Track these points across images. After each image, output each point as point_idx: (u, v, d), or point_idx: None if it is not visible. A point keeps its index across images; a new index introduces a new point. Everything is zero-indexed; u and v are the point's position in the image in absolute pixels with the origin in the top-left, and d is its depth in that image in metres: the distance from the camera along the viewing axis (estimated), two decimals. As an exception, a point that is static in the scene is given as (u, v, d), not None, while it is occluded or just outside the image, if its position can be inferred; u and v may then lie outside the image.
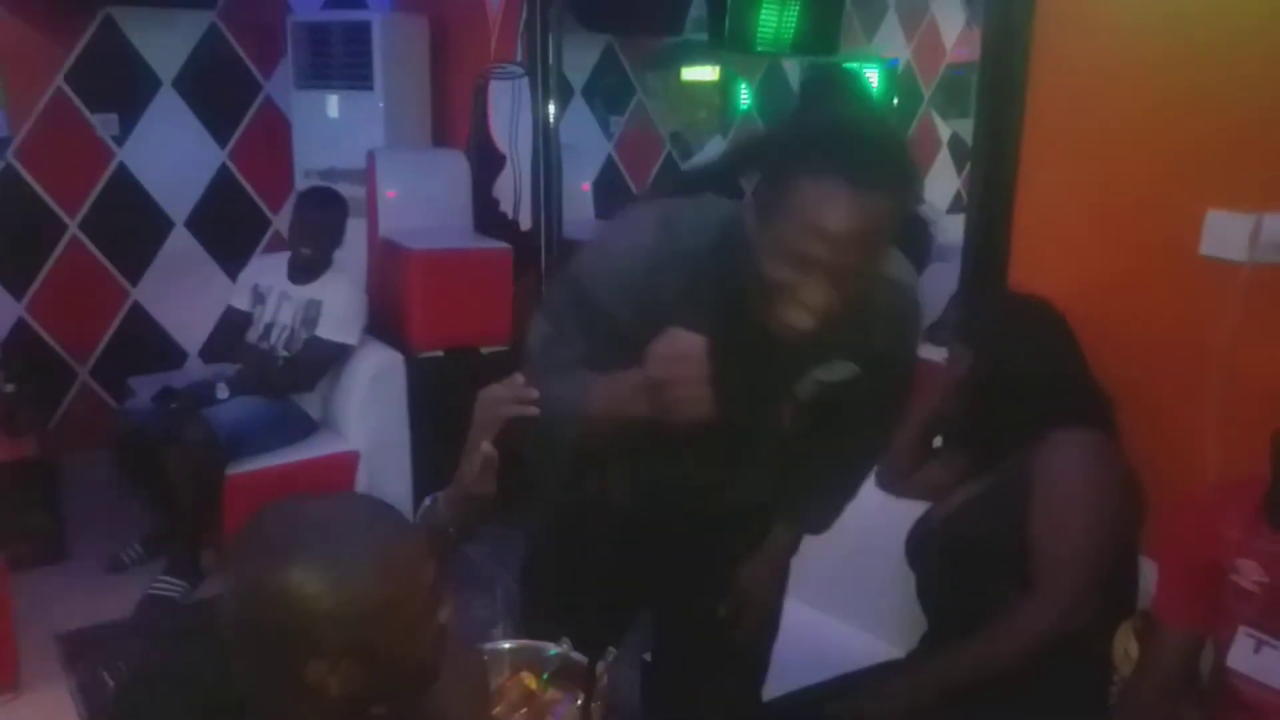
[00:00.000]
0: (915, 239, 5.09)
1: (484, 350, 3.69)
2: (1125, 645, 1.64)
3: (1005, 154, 2.14)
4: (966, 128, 5.91)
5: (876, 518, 2.06)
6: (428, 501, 1.40)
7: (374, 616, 0.98)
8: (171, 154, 4.06)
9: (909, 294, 1.54)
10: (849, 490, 1.79)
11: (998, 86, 2.15)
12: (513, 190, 3.82)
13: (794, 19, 5.06)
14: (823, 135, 1.28)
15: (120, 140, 3.98)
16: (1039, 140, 2.08)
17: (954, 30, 5.93)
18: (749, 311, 1.32)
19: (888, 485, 2.07)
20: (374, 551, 1.00)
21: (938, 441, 2.05)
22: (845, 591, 2.19)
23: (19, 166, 3.80)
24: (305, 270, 3.37)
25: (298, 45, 4.12)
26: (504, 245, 3.71)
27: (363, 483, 3.41)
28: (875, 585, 2.08)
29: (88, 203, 3.96)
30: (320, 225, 3.38)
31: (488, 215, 3.92)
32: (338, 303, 3.35)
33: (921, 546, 1.84)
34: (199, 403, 3.20)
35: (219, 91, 4.14)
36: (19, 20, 3.70)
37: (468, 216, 3.96)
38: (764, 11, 4.92)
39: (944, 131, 6.00)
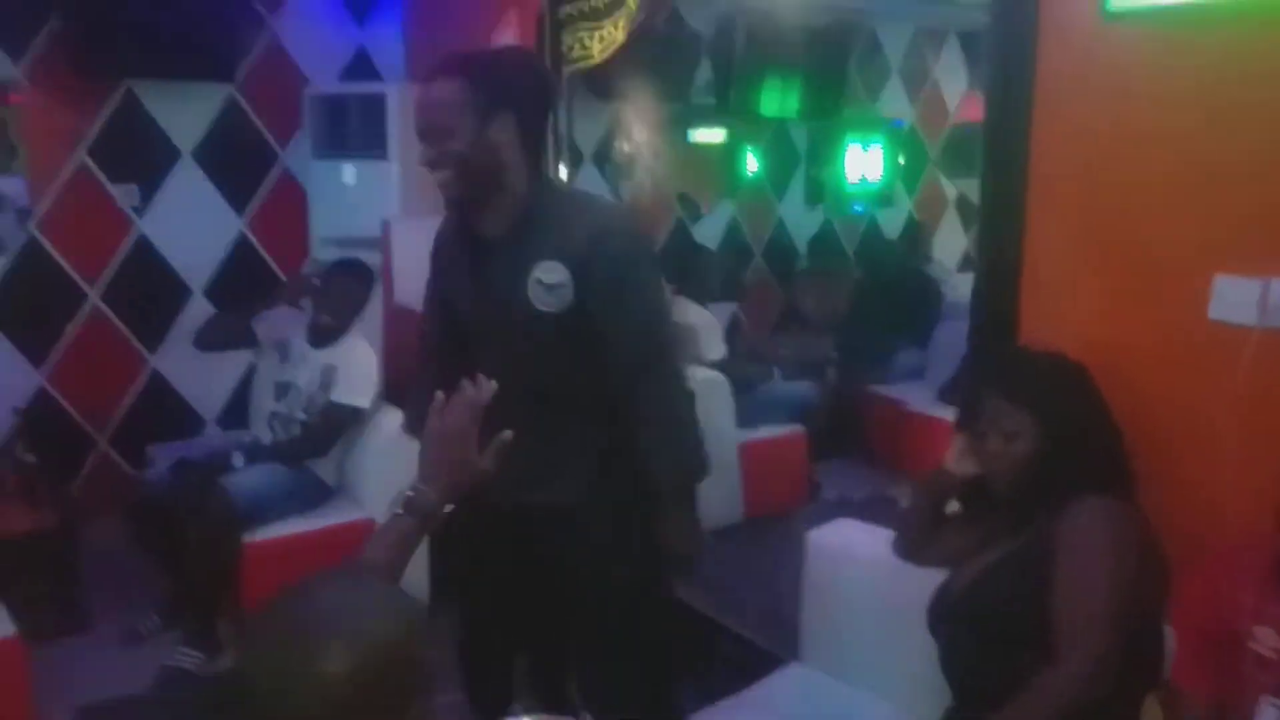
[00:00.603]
0: (924, 297, 5.14)
1: (498, 413, 3.71)
2: (1151, 717, 1.62)
3: (1011, 214, 2.16)
4: (973, 187, 5.99)
5: (895, 585, 2.07)
6: (408, 493, 1.49)
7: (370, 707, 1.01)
8: (190, 224, 4.13)
9: (612, 212, 2.04)
10: (679, 422, 2.01)
11: (1001, 147, 2.18)
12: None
13: (798, 86, 5.17)
14: None
15: (140, 211, 4.05)
16: (1045, 201, 2.11)
17: (957, 92, 6.04)
18: (461, 226, 2.02)
19: (904, 553, 2.07)
20: (380, 642, 1.03)
21: (953, 506, 2.05)
22: (866, 660, 2.18)
23: (41, 237, 3.87)
24: (325, 335, 3.42)
25: (314, 116, 4.22)
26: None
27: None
28: (897, 653, 2.07)
29: (108, 272, 4.02)
30: (346, 296, 3.46)
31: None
32: (352, 366, 3.39)
33: (943, 615, 1.83)
34: (216, 472, 3.23)
35: (237, 162, 4.22)
36: (42, 93, 3.79)
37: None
38: (768, 79, 5.02)
39: (950, 191, 6.07)
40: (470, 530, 1.99)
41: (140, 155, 4.02)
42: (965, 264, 5.78)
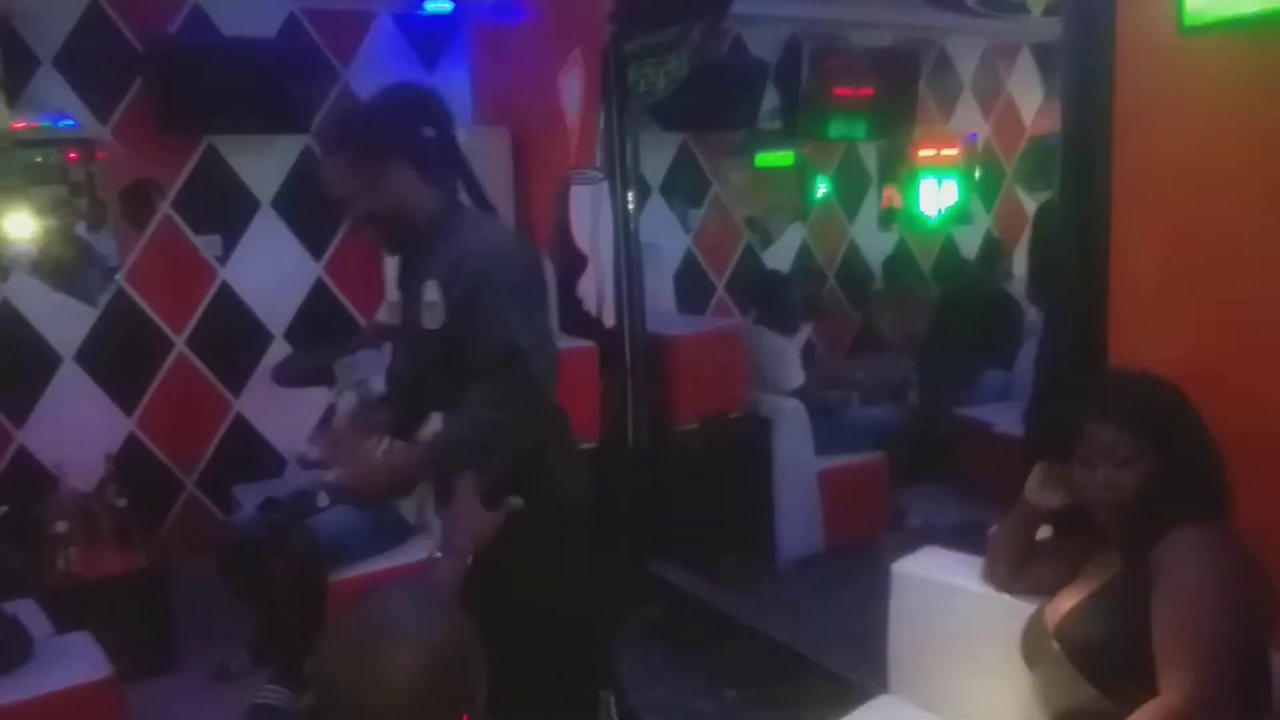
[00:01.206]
0: (1006, 316, 5.05)
1: (574, 448, 3.76)
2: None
3: (1095, 235, 2.12)
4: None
5: (986, 615, 2.04)
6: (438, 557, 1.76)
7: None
8: (270, 270, 4.28)
9: (482, 233, 2.07)
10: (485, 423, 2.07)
11: (1081, 167, 2.15)
12: (595, 289, 3.93)
13: (866, 106, 5.16)
14: None
15: (223, 260, 4.21)
16: (1131, 219, 2.06)
17: (1032, 104, 5.95)
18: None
19: (995, 581, 2.04)
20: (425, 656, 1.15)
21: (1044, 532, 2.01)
22: (958, 691, 2.13)
23: (129, 289, 4.05)
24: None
25: (387, 162, 4.33)
26: (589, 344, 3.80)
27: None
28: (990, 686, 2.03)
29: (193, 320, 4.18)
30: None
31: (572, 315, 4.02)
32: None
33: (1039, 647, 1.79)
34: (302, 512, 3.31)
35: (314, 209, 4.35)
36: (129, 151, 3.98)
37: (553, 317, 4.06)
38: (835, 101, 5.03)
39: (1029, 206, 5.98)
40: None
41: (222, 206, 4.19)
42: (1048, 280, 5.65)
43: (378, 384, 3.55)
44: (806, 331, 5.13)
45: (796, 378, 4.25)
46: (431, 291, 2.04)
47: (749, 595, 3.76)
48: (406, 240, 2.13)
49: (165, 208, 4.09)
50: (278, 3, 4.19)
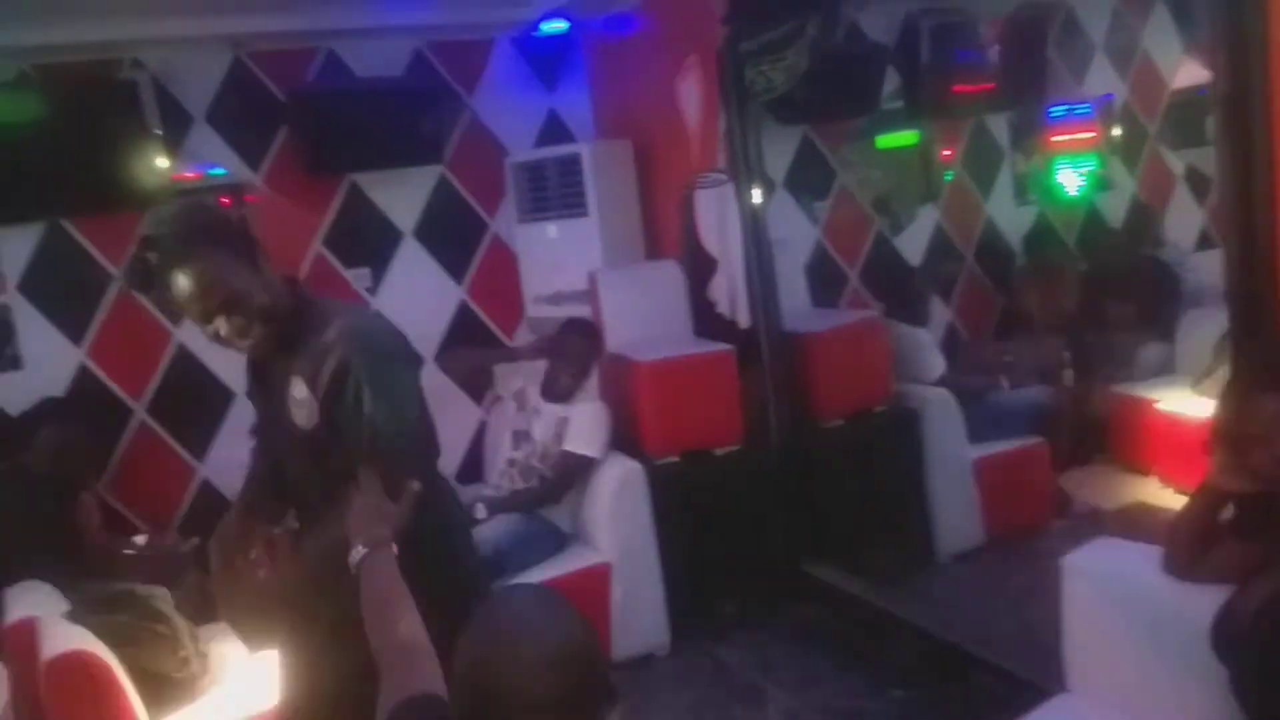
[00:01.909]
0: (1161, 285, 4.80)
1: (718, 451, 3.76)
2: None
3: (1258, 192, 1.99)
4: (1203, 157, 5.58)
5: (1170, 606, 1.95)
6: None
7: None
8: (417, 297, 4.45)
9: (342, 323, 1.96)
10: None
11: (1239, 119, 2.02)
12: (727, 291, 3.93)
13: (992, 77, 4.98)
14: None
15: (373, 291, 4.41)
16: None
17: (1171, 59, 5.62)
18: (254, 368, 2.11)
19: (1177, 570, 1.94)
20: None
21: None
22: (1144, 688, 2.05)
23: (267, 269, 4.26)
24: (561, 393, 3.63)
25: (517, 183, 4.46)
26: (726, 346, 3.80)
27: (618, 592, 3.52)
28: (1179, 681, 1.93)
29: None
30: (580, 355, 3.67)
31: (705, 318, 4.03)
32: (584, 418, 3.56)
33: (1232, 639, 1.70)
34: None
35: (452, 235, 4.53)
36: (279, 195, 4.21)
37: (687, 322, 4.09)
38: (959, 76, 4.87)
39: (1177, 165, 5.65)
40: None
41: (368, 240, 4.38)
42: (1204, 243, 5.35)
43: (534, 396, 3.66)
44: (944, 318, 4.99)
45: (936, 367, 4.15)
46: (300, 388, 1.94)
47: (909, 592, 3.69)
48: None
49: (318, 245, 4.30)
50: (404, 41, 4.36)
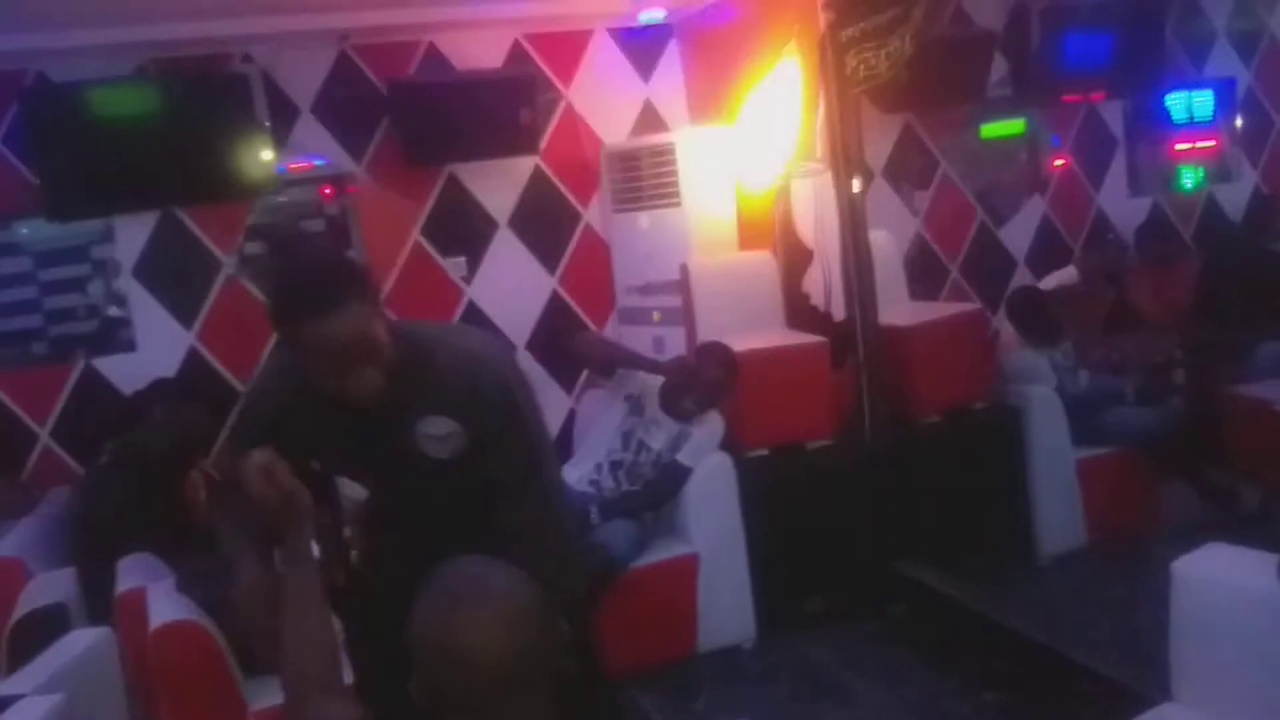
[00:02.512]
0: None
1: (809, 445, 3.72)
2: None
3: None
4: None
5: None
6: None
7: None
8: (511, 286, 4.53)
9: (491, 365, 1.91)
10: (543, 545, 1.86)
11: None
12: (822, 282, 3.87)
13: (1105, 59, 4.79)
14: (272, 298, 1.77)
15: (468, 279, 4.49)
16: None
17: (1302, 43, 5.33)
18: (345, 410, 1.81)
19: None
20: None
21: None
22: (1257, 701, 1.95)
23: (387, 311, 4.36)
24: (681, 414, 3.58)
25: (611, 172, 4.48)
26: (819, 339, 3.76)
27: (704, 583, 3.51)
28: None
29: (445, 337, 4.46)
30: (716, 385, 3.56)
31: (798, 310, 3.99)
32: (705, 437, 3.55)
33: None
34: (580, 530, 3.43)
35: (546, 225, 4.58)
36: (380, 185, 4.32)
37: (779, 314, 4.05)
38: (1070, 61, 4.70)
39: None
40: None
41: (464, 230, 4.46)
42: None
43: (652, 406, 3.63)
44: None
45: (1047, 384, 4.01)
46: (441, 426, 1.86)
47: (1005, 593, 3.59)
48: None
49: (416, 234, 4.39)
50: (502, 32, 4.43)
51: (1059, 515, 3.90)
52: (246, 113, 3.94)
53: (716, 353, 3.62)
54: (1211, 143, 5.25)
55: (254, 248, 4.18)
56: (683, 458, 3.54)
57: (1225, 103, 5.29)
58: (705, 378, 3.55)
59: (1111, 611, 3.28)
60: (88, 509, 3.34)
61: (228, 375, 4.16)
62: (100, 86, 3.77)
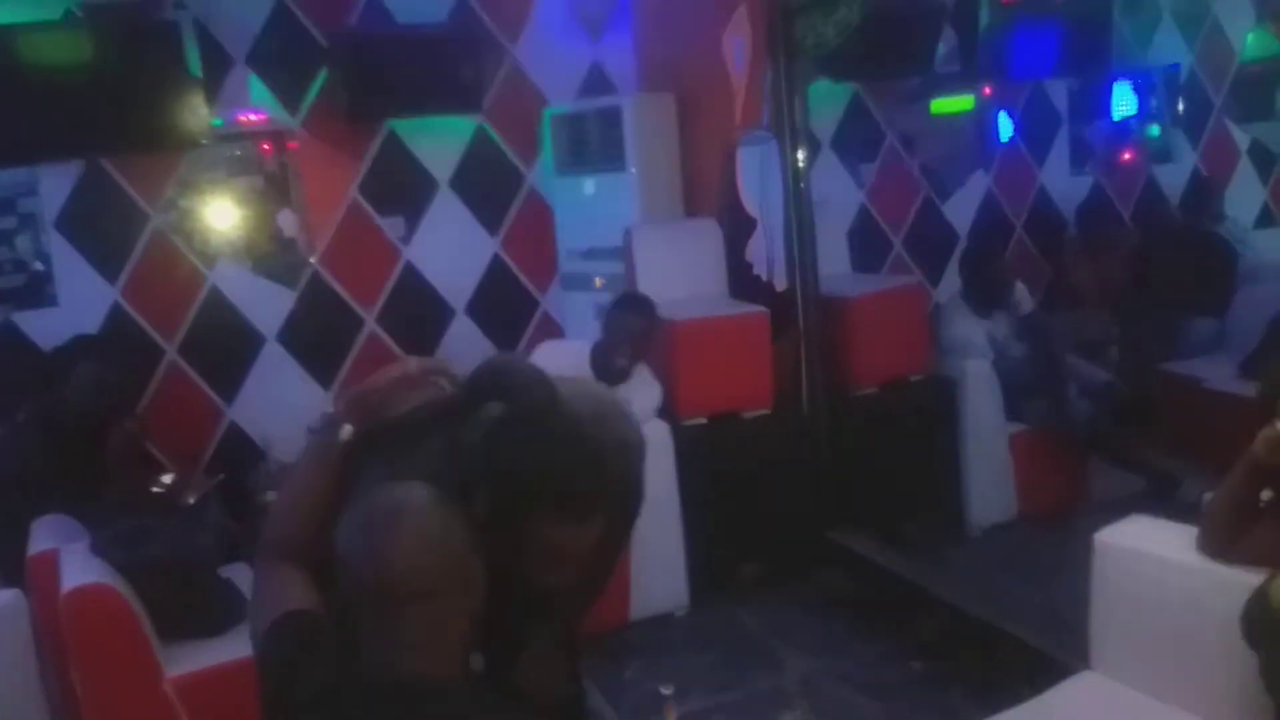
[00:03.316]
0: (1217, 261, 4.65)
1: (747, 414, 3.72)
2: None
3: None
4: (1268, 132, 5.38)
5: (1201, 588, 1.88)
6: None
7: None
8: (450, 248, 4.45)
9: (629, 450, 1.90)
10: None
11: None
12: (765, 252, 3.86)
13: (1054, 40, 4.83)
14: (536, 479, 1.50)
15: (406, 240, 4.40)
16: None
17: (1240, 29, 5.41)
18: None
19: (1211, 551, 1.88)
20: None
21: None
22: (1169, 669, 1.99)
23: (323, 271, 4.29)
24: (615, 376, 3.47)
25: (556, 135, 4.41)
26: (760, 309, 3.75)
27: (638, 551, 3.50)
28: (1205, 664, 1.88)
29: (381, 299, 4.39)
30: (640, 333, 3.49)
31: (741, 279, 3.97)
32: (645, 402, 3.48)
33: (1264, 624, 1.63)
34: None
35: (488, 186, 4.50)
36: (317, 140, 4.20)
37: (722, 282, 4.03)
38: (1020, 39, 4.73)
39: (1241, 139, 5.45)
40: None
41: (403, 189, 4.37)
42: (1264, 220, 5.17)
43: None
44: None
45: (980, 357, 4.02)
46: None
47: (936, 564, 3.64)
48: None
49: (353, 192, 4.29)
50: (448, -14, 4.31)
51: (990, 487, 3.96)
52: (178, 62, 3.80)
53: (632, 301, 3.58)
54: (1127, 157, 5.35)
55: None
56: None
57: (1169, 87, 5.36)
58: (625, 330, 3.51)
59: (1038, 582, 3.34)
60: (1, 468, 3.23)
61: (152, 332, 4.04)
62: (27, 31, 3.61)
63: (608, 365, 3.50)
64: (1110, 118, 5.32)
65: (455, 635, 1.34)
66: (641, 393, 3.51)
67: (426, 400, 1.71)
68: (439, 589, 1.31)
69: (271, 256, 4.22)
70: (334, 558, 1.38)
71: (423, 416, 1.69)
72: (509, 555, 1.49)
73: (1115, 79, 5.24)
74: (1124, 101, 5.33)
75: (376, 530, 1.32)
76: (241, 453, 4.10)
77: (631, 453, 1.93)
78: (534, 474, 1.50)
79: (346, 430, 1.61)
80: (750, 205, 3.90)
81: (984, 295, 4.08)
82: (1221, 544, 1.86)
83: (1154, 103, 5.38)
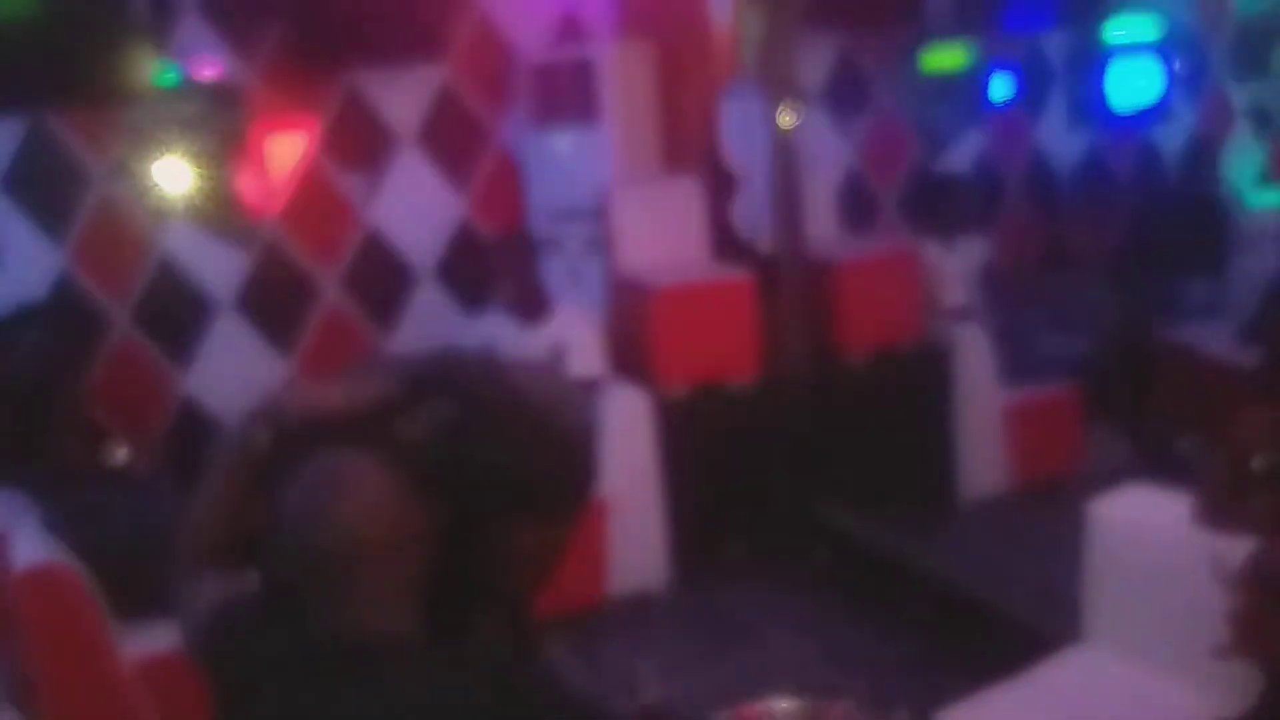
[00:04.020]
0: (1215, 224, 4.72)
1: (731, 385, 3.75)
2: None
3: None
4: (1270, 90, 5.43)
5: (1197, 557, 1.93)
6: None
7: None
8: (414, 209, 4.42)
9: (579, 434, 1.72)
10: None
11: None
12: (749, 212, 3.88)
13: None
14: (506, 484, 1.48)
15: (368, 200, 4.37)
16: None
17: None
18: None
19: (1206, 520, 1.93)
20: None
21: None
22: (1162, 640, 2.06)
23: (280, 233, 4.26)
24: (533, 315, 3.53)
25: (527, 88, 4.38)
26: (745, 273, 3.77)
27: (616, 530, 3.54)
28: (1199, 633, 1.93)
29: (343, 262, 4.37)
30: (516, 255, 3.60)
31: (725, 240, 3.99)
32: (580, 341, 3.49)
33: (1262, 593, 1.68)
34: None
35: (455, 142, 4.47)
36: (274, 94, 4.16)
37: (705, 244, 4.04)
38: (1016, -13, 4.75)
39: (1238, 99, 5.51)
40: None
41: (364, 145, 4.34)
42: (1264, 181, 5.24)
43: (509, 334, 3.55)
44: (979, 248, 4.88)
45: (956, 295, 4.06)
46: None
47: (926, 539, 3.70)
48: None
49: (311, 149, 4.26)
50: (410, -73, 4.26)
51: (983, 459, 4.03)
52: (122, 9, 3.75)
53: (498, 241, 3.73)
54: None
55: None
56: (579, 369, 3.46)
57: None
58: (501, 266, 3.57)
59: (1030, 555, 3.41)
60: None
61: (102, 298, 4.02)
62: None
63: (525, 303, 3.58)
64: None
65: (411, 592, 1.40)
66: (573, 330, 3.51)
67: (359, 395, 1.71)
68: (390, 541, 1.36)
69: (226, 218, 4.19)
70: (270, 535, 1.42)
71: (355, 413, 1.69)
72: (468, 561, 1.51)
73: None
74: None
75: (324, 493, 1.38)
76: (198, 425, 4.10)
77: (590, 439, 1.95)
78: (504, 479, 1.50)
79: (263, 438, 1.63)
80: (733, 161, 3.92)
81: (933, 225, 4.17)
82: (1216, 513, 1.92)
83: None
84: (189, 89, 4.01)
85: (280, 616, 1.41)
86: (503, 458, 1.51)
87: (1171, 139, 5.44)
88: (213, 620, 1.44)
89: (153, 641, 2.64)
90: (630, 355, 3.69)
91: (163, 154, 4.02)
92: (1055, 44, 5.24)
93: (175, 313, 4.12)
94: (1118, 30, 5.12)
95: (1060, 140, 5.33)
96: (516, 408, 1.62)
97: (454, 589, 1.56)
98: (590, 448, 1.88)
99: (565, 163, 4.34)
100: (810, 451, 3.83)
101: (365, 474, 1.40)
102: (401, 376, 1.71)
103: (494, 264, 3.65)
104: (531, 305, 3.56)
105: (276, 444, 1.61)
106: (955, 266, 4.18)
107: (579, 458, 1.74)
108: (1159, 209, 4.95)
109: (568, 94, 4.26)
